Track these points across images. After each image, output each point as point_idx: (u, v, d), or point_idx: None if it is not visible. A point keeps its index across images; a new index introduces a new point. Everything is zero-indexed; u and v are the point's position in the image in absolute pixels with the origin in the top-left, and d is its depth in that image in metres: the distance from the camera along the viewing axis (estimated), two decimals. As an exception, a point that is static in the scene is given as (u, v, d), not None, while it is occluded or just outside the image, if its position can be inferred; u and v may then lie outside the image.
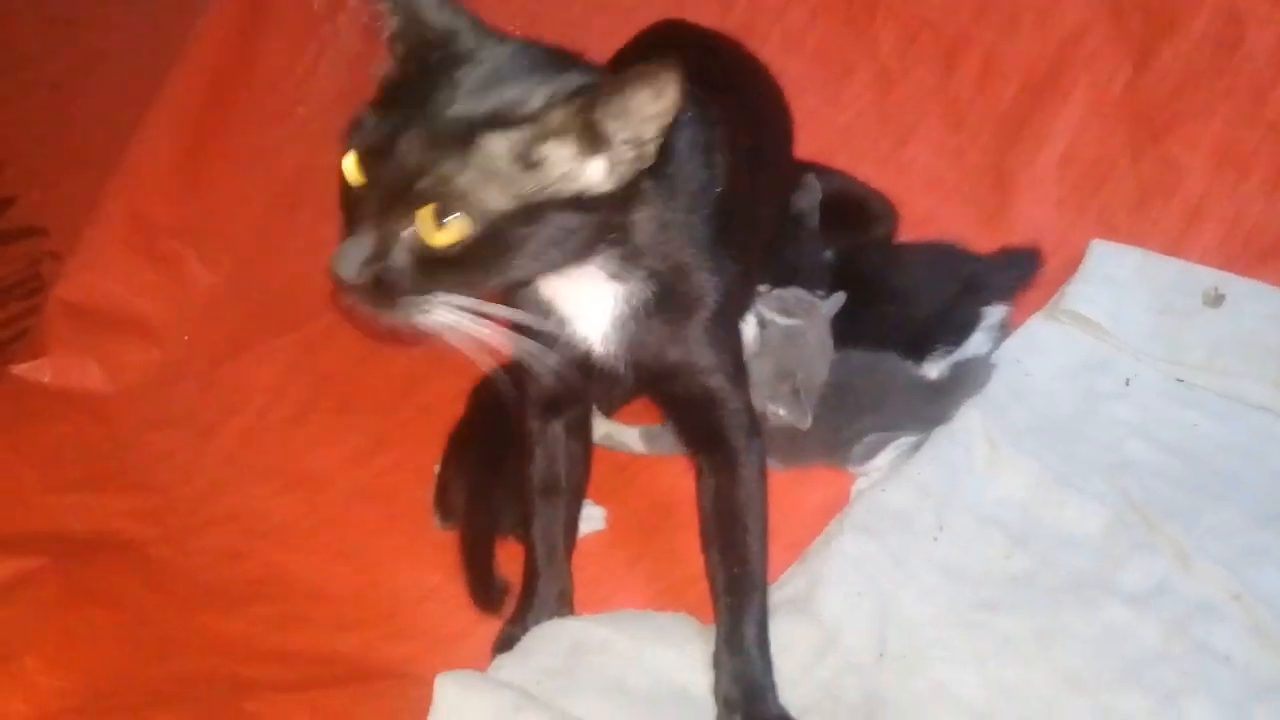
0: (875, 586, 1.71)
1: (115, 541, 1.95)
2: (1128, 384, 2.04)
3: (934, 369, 2.03)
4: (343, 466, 2.10)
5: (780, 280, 2.00)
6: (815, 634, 1.66)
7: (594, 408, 1.89)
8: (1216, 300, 2.09)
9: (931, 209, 2.40)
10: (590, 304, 1.47)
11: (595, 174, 1.25)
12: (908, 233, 2.33)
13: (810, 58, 2.65)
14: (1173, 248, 2.21)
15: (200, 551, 1.95)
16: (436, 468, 1.93)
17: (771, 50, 2.56)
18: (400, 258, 1.22)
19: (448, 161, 1.19)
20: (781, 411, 1.87)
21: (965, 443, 1.90)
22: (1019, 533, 1.81)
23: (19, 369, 2.31)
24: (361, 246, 1.21)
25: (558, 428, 1.70)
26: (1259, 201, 2.16)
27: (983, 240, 2.24)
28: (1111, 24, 2.32)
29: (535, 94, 1.23)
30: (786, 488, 1.89)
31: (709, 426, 1.60)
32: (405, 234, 1.21)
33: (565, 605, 1.75)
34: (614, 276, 1.43)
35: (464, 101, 1.22)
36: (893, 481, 1.86)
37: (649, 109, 1.20)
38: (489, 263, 1.25)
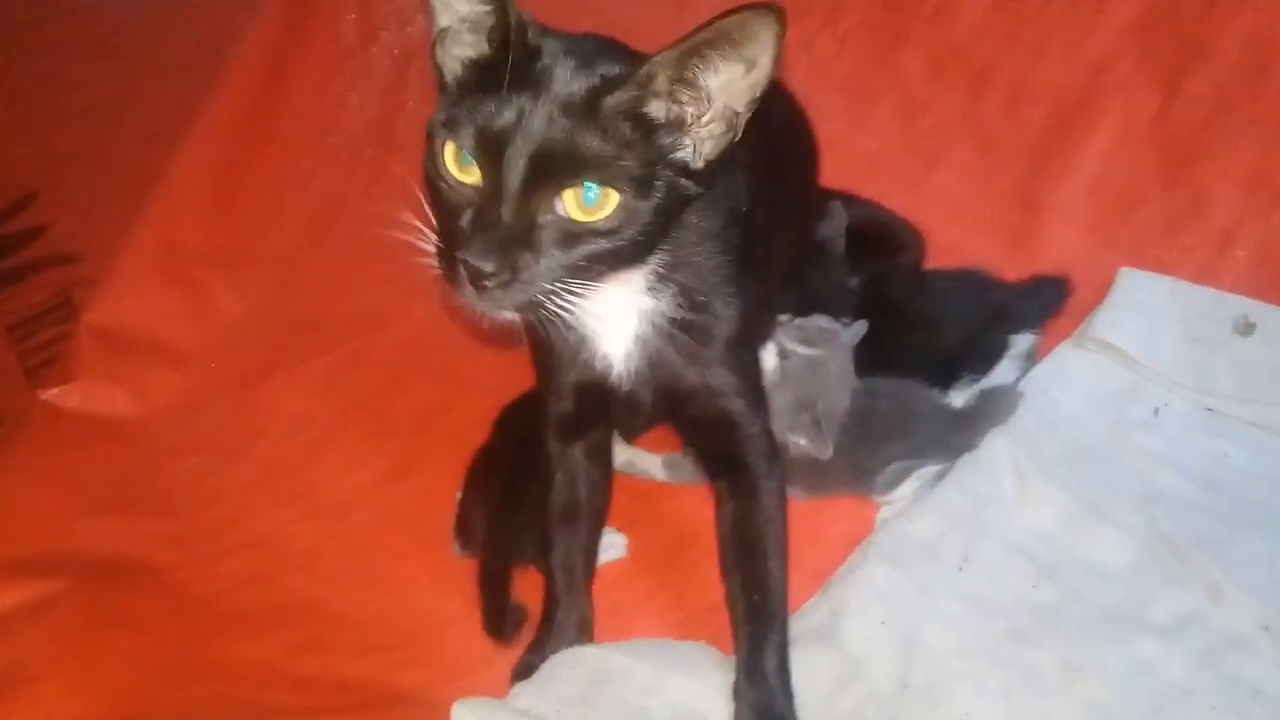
0: (900, 616, 1.69)
1: (139, 566, 1.95)
2: (1157, 413, 2.01)
3: (960, 397, 2.02)
4: (366, 492, 2.10)
5: (805, 308, 1.99)
6: (838, 664, 1.64)
7: (615, 434, 1.89)
8: (1247, 329, 2.06)
9: (960, 236, 2.38)
10: (615, 322, 1.48)
11: (692, 144, 1.29)
12: (936, 260, 2.31)
13: (838, 86, 2.65)
14: (1203, 276, 2.18)
15: (223, 577, 1.95)
16: (458, 494, 1.93)
17: (800, 79, 2.56)
18: (544, 240, 1.25)
19: (585, 134, 1.23)
20: (802, 442, 1.85)
21: (992, 472, 1.88)
22: (1047, 563, 1.78)
23: (48, 394, 2.32)
24: (503, 234, 1.23)
25: (578, 452, 1.70)
26: (1290, 229, 2.13)
27: (1011, 268, 2.22)
28: (1141, 52, 2.31)
29: (630, 64, 1.27)
30: (811, 516, 1.89)
31: (728, 451, 1.60)
32: (548, 215, 1.25)
33: (585, 633, 1.74)
34: (648, 290, 1.44)
35: (573, 80, 1.25)
36: (918, 510, 1.84)
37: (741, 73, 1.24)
38: (621, 238, 1.28)
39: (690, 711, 1.59)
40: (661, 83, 1.25)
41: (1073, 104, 2.38)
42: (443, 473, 1.98)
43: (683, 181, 1.30)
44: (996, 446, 1.90)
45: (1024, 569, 1.77)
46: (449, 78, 1.34)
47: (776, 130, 1.63)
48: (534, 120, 1.23)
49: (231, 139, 2.75)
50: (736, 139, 1.31)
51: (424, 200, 1.35)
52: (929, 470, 1.90)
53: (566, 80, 1.25)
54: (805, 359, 1.88)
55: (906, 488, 1.90)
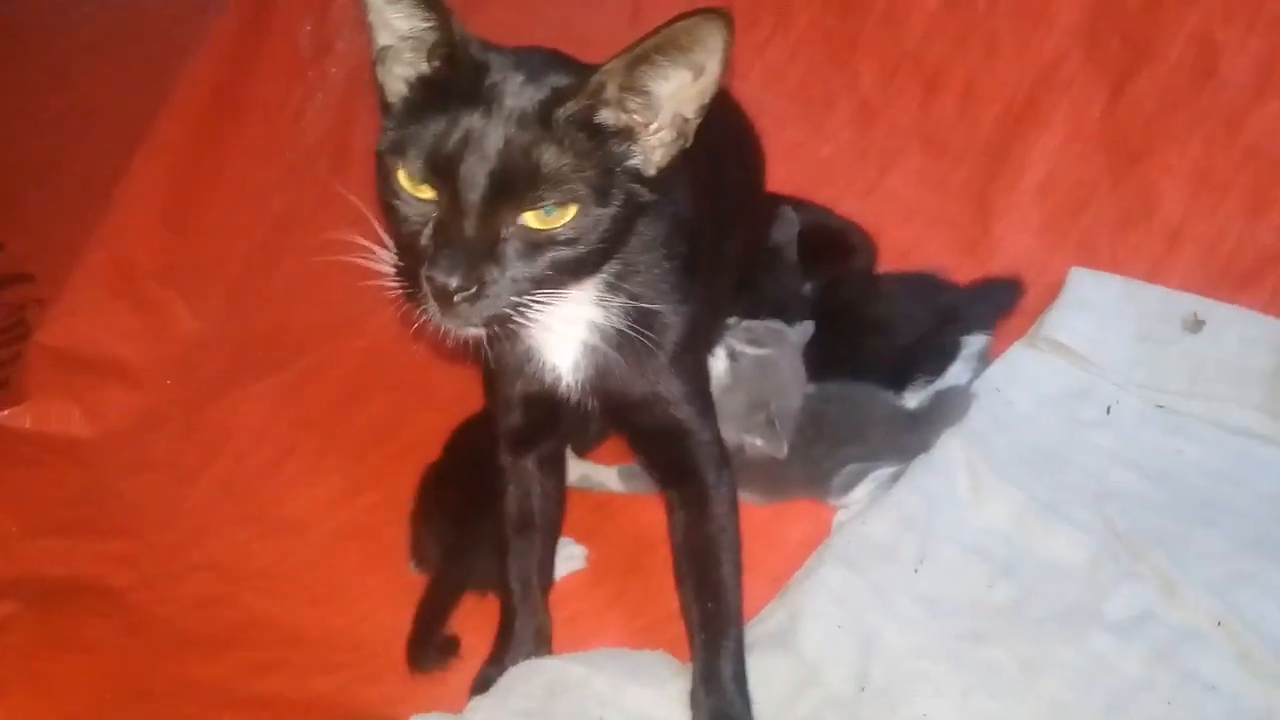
0: (857, 619, 1.69)
1: (93, 587, 1.93)
2: (1109, 411, 2.03)
3: (914, 399, 2.03)
4: (322, 509, 2.09)
5: (759, 314, 2.00)
6: (796, 669, 1.64)
7: (568, 448, 1.89)
8: (1196, 326, 2.08)
9: (914, 239, 2.40)
10: (563, 333, 1.48)
11: (643, 152, 1.30)
12: (891, 263, 2.33)
13: (792, 93, 2.66)
14: (1153, 273, 2.20)
15: (179, 597, 1.93)
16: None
17: (753, 86, 2.59)
18: (507, 252, 1.25)
19: (542, 147, 1.23)
20: (758, 442, 1.86)
21: (946, 472, 1.89)
22: (1002, 562, 1.79)
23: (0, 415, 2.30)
24: (466, 249, 1.23)
25: (530, 464, 1.70)
26: (1237, 225, 2.15)
27: (964, 270, 2.24)
28: (1088, 51, 2.33)
29: (579, 74, 1.27)
30: (768, 521, 1.90)
31: (678, 459, 1.60)
32: (510, 229, 1.24)
33: (543, 644, 1.73)
34: (598, 300, 1.44)
35: (523, 94, 1.25)
36: (874, 513, 1.84)
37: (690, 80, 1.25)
38: (582, 246, 1.28)
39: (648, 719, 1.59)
40: (611, 91, 1.25)
41: (1022, 105, 2.39)
42: (400, 487, 1.96)
43: (637, 188, 1.31)
44: (951, 447, 1.91)
45: (980, 569, 1.78)
46: (392, 97, 1.33)
47: (718, 136, 1.63)
48: (489, 137, 1.22)
49: (185, 155, 2.74)
50: (687, 145, 1.32)
51: (377, 220, 1.34)
52: (884, 472, 1.91)
53: (517, 94, 1.25)
54: (755, 359, 1.89)
55: (862, 490, 1.90)
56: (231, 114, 2.82)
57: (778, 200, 2.23)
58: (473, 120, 1.23)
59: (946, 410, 1.95)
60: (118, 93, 3.03)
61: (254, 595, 1.93)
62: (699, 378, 1.62)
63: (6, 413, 2.31)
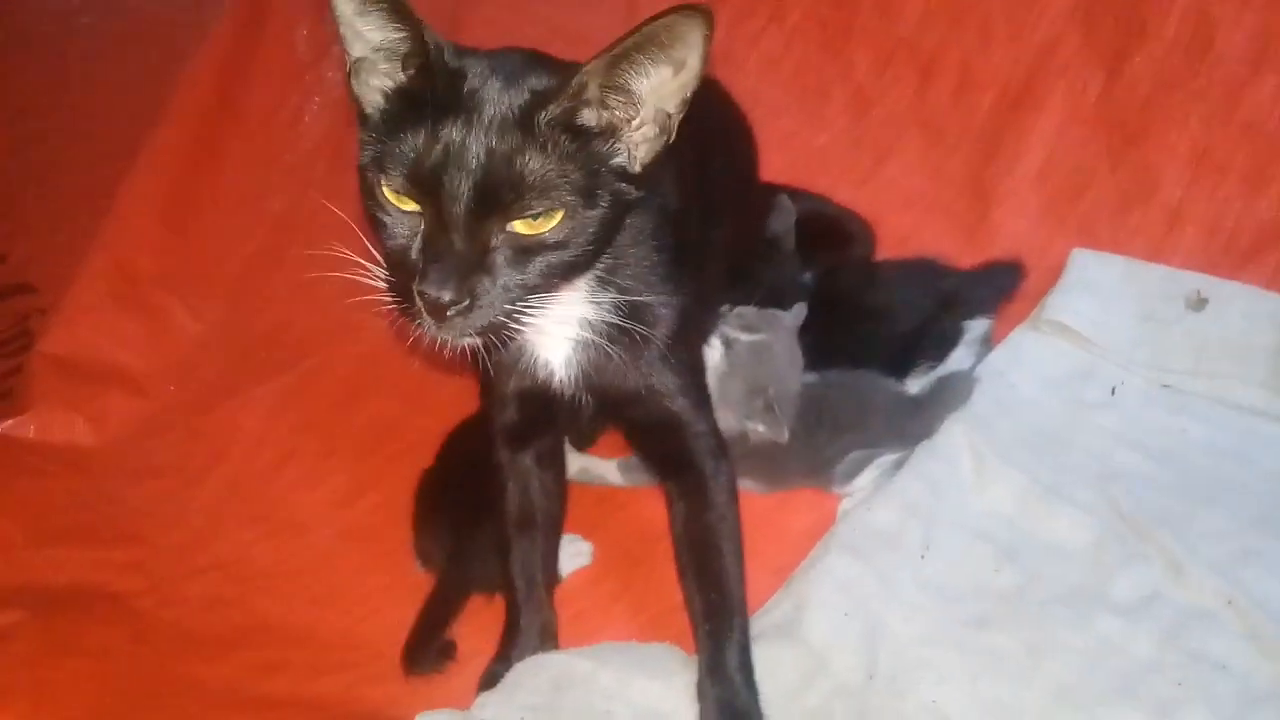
0: (863, 607, 1.68)
1: (98, 593, 1.93)
2: (1114, 392, 2.02)
3: (917, 385, 2.02)
4: (327, 509, 2.09)
5: (759, 304, 1.99)
6: (803, 658, 1.63)
7: (566, 442, 1.88)
8: (1200, 304, 2.07)
9: (913, 226, 2.40)
10: (555, 329, 1.47)
11: (626, 149, 1.29)
12: (891, 251, 2.32)
13: (787, 82, 2.66)
14: (1154, 253, 2.19)
15: (184, 601, 1.94)
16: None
17: (748, 76, 2.59)
18: (498, 261, 1.24)
19: (526, 154, 1.22)
20: (760, 428, 1.85)
21: (949, 457, 1.88)
22: (1008, 546, 1.79)
23: (3, 426, 2.30)
24: (456, 262, 1.22)
25: (528, 460, 1.69)
26: (1237, 202, 2.14)
27: (964, 255, 2.24)
28: (1083, 33, 2.31)
29: (558, 75, 1.25)
30: (771, 512, 1.90)
31: (675, 451, 1.60)
32: (499, 237, 1.24)
33: (549, 640, 1.73)
34: (588, 297, 1.44)
35: (503, 98, 1.23)
36: (878, 500, 1.84)
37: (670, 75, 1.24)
38: (572, 249, 1.27)
39: (655, 713, 1.58)
40: (593, 91, 1.24)
41: (1019, 89, 2.38)
42: (403, 487, 1.96)
43: (623, 186, 1.30)
44: (954, 432, 1.90)
45: (985, 554, 1.78)
46: (370, 110, 1.31)
47: (704, 126, 1.63)
48: (470, 148, 1.21)
49: (184, 160, 2.74)
50: (670, 141, 1.30)
51: (366, 235, 1.34)
52: (887, 459, 1.90)
53: (496, 99, 1.23)
54: (750, 345, 1.88)
55: (865, 478, 1.90)
56: (229, 118, 2.82)
57: (774, 190, 2.23)
58: (453, 131, 1.21)
59: (949, 395, 1.95)
60: (116, 101, 3.02)
61: (259, 597, 1.93)
62: (693, 369, 1.62)
63: (10, 422, 2.31)
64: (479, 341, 1.30)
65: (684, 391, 1.56)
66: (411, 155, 1.22)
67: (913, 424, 1.92)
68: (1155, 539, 1.75)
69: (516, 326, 1.29)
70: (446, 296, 1.21)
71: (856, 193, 2.42)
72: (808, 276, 2.15)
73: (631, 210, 1.36)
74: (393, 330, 2.21)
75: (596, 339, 1.47)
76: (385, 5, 1.24)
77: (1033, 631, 1.65)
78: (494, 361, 1.49)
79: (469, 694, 1.68)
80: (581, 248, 1.28)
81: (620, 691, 1.60)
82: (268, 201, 2.77)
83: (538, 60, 1.32)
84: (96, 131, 3.01)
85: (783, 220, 2.14)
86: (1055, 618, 1.67)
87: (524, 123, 1.23)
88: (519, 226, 1.24)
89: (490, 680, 1.67)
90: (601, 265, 1.41)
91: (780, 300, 1.99)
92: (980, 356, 2.06)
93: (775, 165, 2.28)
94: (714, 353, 1.86)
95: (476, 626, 1.79)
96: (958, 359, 2.03)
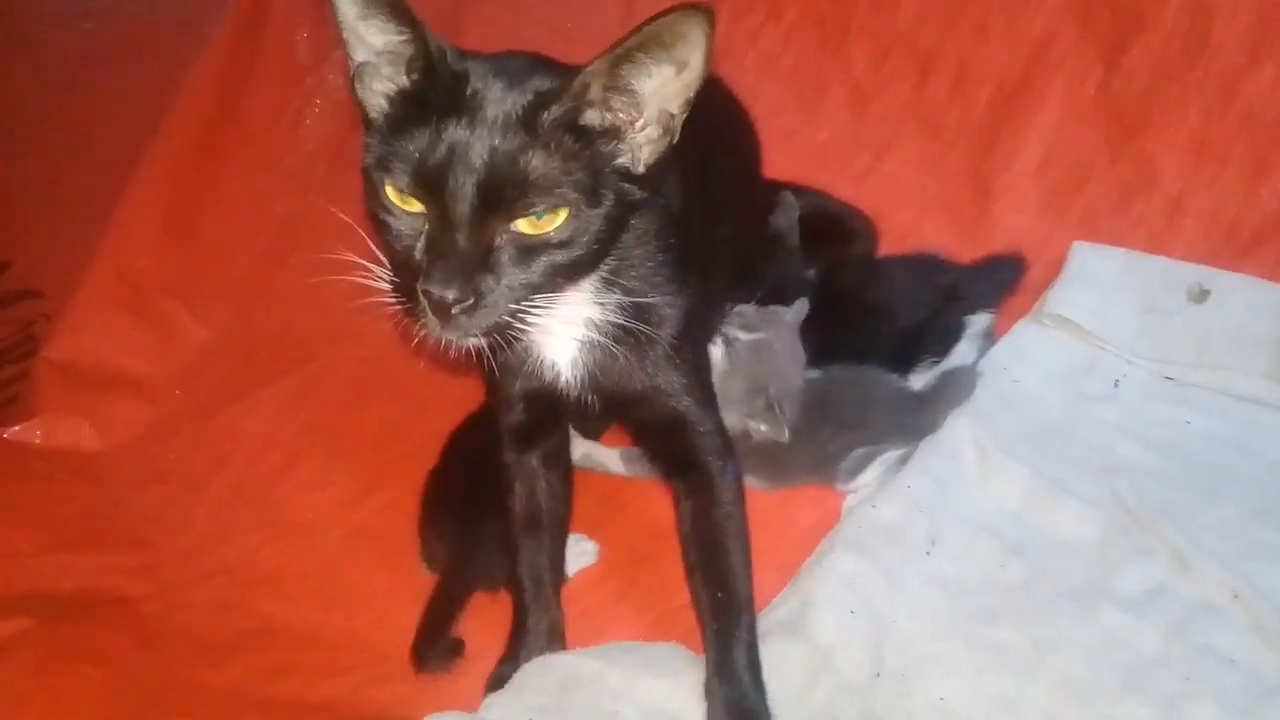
0: (869, 604, 1.68)
1: (106, 599, 1.94)
2: (1117, 385, 2.02)
3: (920, 380, 2.02)
4: (332, 511, 2.09)
5: (763, 301, 2.00)
6: (809, 656, 1.63)
7: (572, 429, 1.89)
8: (1201, 296, 2.07)
9: (913, 221, 2.40)
10: (561, 330, 1.47)
11: (630, 150, 1.29)
12: (891, 246, 2.32)
13: (786, 79, 2.67)
14: (1155, 245, 2.19)
15: (191, 605, 1.94)
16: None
17: (748, 73, 2.59)
18: (502, 260, 1.24)
19: (530, 154, 1.22)
20: (761, 427, 1.86)
21: (953, 453, 1.88)
22: (1013, 541, 1.79)
23: (9, 432, 2.31)
24: (460, 260, 1.22)
25: (534, 460, 1.69)
26: (1238, 193, 2.14)
27: (966, 249, 2.23)
28: (1080, 26, 2.31)
29: (560, 76, 1.26)
30: (776, 509, 1.90)
31: (681, 450, 1.60)
32: (504, 236, 1.24)
33: (556, 640, 1.73)
34: (594, 298, 1.44)
35: (506, 100, 1.24)
36: (883, 496, 1.84)
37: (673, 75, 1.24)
38: (576, 248, 1.28)
39: (662, 712, 1.59)
40: (595, 92, 1.24)
41: (1017, 83, 2.39)
42: (409, 489, 1.96)
43: (627, 187, 1.30)
44: (957, 427, 1.91)
45: (991, 548, 1.78)
46: (374, 114, 1.32)
47: (708, 125, 1.64)
48: (474, 148, 1.21)
49: (186, 165, 2.75)
50: (674, 141, 1.31)
51: (370, 236, 1.34)
52: (891, 455, 1.90)
53: (499, 100, 1.24)
54: (750, 344, 1.88)
55: (870, 474, 1.90)
56: (231, 123, 2.83)
57: (777, 186, 2.23)
58: (456, 131, 1.22)
59: (953, 390, 1.95)
60: (118, 107, 3.03)
61: (266, 600, 1.93)
62: (699, 368, 1.62)
63: (16, 428, 2.31)
64: (484, 342, 1.30)
65: (690, 391, 1.56)
66: (415, 155, 1.23)
67: (916, 419, 1.92)
68: (1159, 532, 1.75)
69: (521, 327, 1.29)
70: (451, 295, 1.21)
71: (856, 189, 2.43)
72: (810, 272, 2.15)
73: (636, 211, 1.37)
74: (397, 332, 2.21)
75: (602, 340, 1.48)
76: (387, 8, 1.24)
77: (1039, 626, 1.66)
78: (499, 363, 1.49)
79: (476, 695, 1.68)
80: (586, 247, 1.29)
81: (627, 691, 1.60)
82: (270, 205, 2.78)
83: (540, 63, 1.33)
84: (99, 137, 3.02)
85: (787, 215, 2.14)
86: (1061, 612, 1.68)
87: (527, 123, 1.23)
88: (523, 225, 1.24)
89: (498, 681, 1.67)
90: (606, 266, 1.41)
91: (784, 296, 2.00)
92: (983, 351, 2.06)
93: (775, 162, 2.28)
94: (715, 351, 1.86)
95: (482, 624, 1.79)
96: (960, 354, 2.03)
